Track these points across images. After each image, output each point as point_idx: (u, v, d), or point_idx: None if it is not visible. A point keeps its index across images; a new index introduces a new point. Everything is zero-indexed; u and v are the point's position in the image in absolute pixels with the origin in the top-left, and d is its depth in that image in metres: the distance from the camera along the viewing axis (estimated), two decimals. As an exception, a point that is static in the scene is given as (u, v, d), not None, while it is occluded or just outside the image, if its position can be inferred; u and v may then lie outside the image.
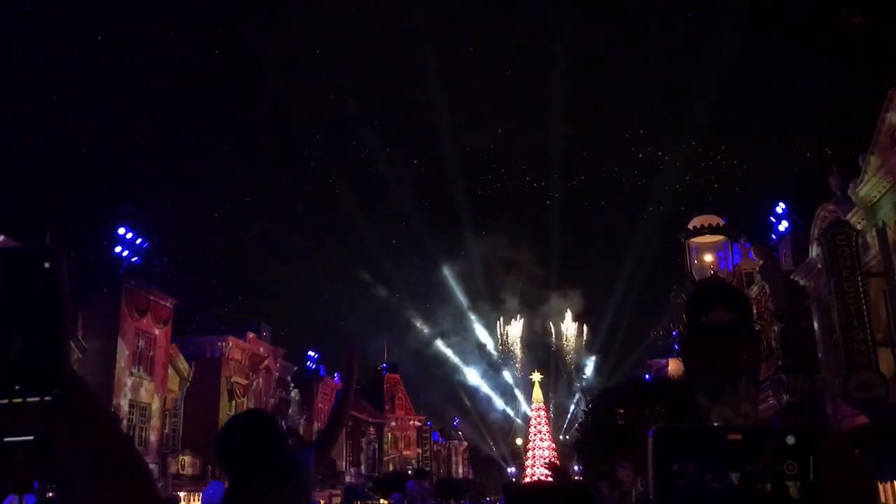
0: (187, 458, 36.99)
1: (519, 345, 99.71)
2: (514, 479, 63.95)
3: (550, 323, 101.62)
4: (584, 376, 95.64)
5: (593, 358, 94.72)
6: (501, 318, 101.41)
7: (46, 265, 0.82)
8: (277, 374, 47.62)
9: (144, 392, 35.40)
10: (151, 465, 33.82)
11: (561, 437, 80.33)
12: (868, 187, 20.63)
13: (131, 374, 34.40)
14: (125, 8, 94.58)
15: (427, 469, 61.12)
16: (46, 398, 0.82)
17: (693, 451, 0.99)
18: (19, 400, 0.82)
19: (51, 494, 7.87)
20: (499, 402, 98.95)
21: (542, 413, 71.65)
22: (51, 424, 0.83)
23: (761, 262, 27.67)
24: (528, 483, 3.89)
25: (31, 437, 0.83)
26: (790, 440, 0.97)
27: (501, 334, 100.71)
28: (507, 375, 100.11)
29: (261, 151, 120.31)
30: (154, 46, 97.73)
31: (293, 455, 3.36)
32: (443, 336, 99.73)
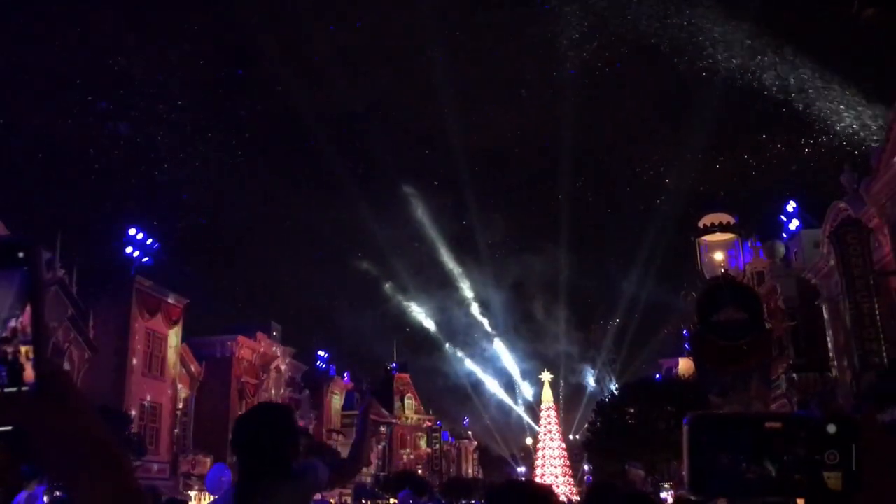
0: (198, 458, 37.12)
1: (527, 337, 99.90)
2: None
3: (557, 320, 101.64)
4: (591, 371, 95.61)
5: (603, 355, 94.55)
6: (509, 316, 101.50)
7: (21, 255, 0.81)
8: (287, 373, 47.73)
9: (155, 392, 35.57)
10: (163, 465, 33.95)
11: (571, 436, 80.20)
12: (880, 185, 20.50)
13: (142, 374, 34.58)
14: (128, 9, 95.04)
15: (438, 468, 61.07)
16: (24, 388, 0.81)
17: (729, 439, 0.94)
18: None
19: (58, 493, 7.90)
20: (505, 397, 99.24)
21: (552, 413, 71.43)
22: (30, 415, 0.82)
23: (772, 260, 27.57)
24: (501, 482, 3.86)
25: (10, 428, 0.82)
26: (831, 429, 0.92)
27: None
28: (513, 374, 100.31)
29: (271, 151, 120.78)
30: (159, 47, 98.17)
31: (306, 462, 3.35)
32: (449, 335, 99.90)
